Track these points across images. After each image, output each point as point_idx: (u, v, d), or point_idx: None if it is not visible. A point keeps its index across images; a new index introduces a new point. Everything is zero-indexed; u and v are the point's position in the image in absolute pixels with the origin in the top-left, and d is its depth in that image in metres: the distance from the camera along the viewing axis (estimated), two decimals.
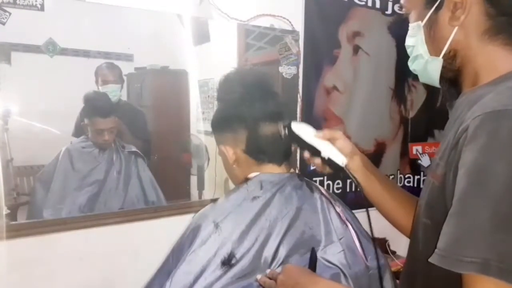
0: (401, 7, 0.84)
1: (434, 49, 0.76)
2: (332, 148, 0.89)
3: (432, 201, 0.72)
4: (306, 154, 0.91)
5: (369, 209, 0.89)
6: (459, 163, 0.61)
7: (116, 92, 1.53)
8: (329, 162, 0.88)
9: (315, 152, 0.89)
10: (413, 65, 0.82)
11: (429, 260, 0.60)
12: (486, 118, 0.58)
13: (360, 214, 1.05)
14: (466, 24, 0.70)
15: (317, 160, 0.89)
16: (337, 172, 0.89)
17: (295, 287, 0.77)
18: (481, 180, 0.57)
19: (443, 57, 0.74)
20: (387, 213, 0.95)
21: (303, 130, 0.90)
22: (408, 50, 0.82)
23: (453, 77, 0.77)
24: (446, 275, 0.59)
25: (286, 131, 0.91)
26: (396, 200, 0.94)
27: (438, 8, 0.72)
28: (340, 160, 0.87)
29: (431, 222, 0.71)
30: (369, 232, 0.87)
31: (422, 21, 0.75)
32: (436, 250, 0.60)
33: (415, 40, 0.78)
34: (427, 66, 0.78)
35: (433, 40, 0.75)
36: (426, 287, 0.74)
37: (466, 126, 0.61)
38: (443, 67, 0.76)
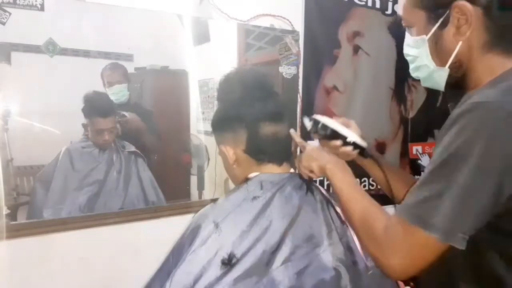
0: (401, 19, 0.90)
1: (440, 60, 0.83)
2: (352, 132, 0.96)
3: None
4: (338, 143, 0.95)
5: None
6: (437, 142, 0.73)
7: (123, 92, 1.53)
8: (354, 145, 0.96)
9: (341, 138, 0.95)
10: (416, 73, 0.89)
11: (396, 209, 0.77)
12: (465, 108, 0.69)
13: None
14: (469, 37, 0.78)
15: (349, 148, 0.96)
16: (361, 153, 0.97)
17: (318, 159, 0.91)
18: (448, 160, 0.69)
19: (448, 66, 0.82)
20: (392, 193, 1.02)
21: (328, 121, 0.97)
22: (409, 59, 0.89)
23: (457, 82, 0.84)
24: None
25: (312, 123, 0.96)
26: (400, 181, 1.04)
27: (443, 23, 0.79)
28: (363, 143, 0.97)
29: None
30: None
31: (426, 35, 0.82)
32: (403, 204, 0.74)
33: (419, 51, 0.85)
34: (433, 75, 0.86)
35: (438, 53, 0.82)
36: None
37: (454, 113, 0.71)
38: (449, 75, 0.83)
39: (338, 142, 0.95)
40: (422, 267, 0.72)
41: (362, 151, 0.97)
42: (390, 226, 0.75)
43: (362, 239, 0.83)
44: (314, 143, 0.99)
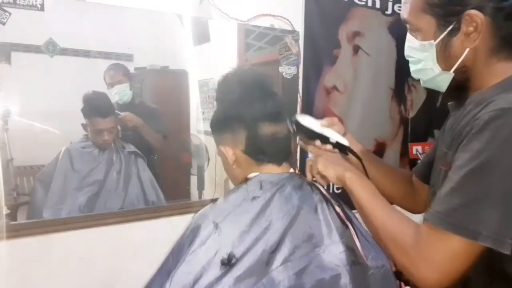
0: (404, 22, 0.90)
1: (445, 65, 0.85)
2: (335, 132, 1.00)
3: None
4: (318, 143, 1.00)
5: None
6: (463, 147, 0.74)
7: (125, 92, 1.53)
8: (337, 145, 1.00)
9: (324, 139, 0.99)
10: (418, 75, 0.90)
11: (424, 216, 0.75)
12: (494, 115, 0.70)
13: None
14: (477, 43, 0.80)
15: (328, 146, 1.00)
16: (343, 152, 1.01)
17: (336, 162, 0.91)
18: (482, 167, 0.69)
19: (453, 71, 0.84)
20: (376, 184, 1.02)
21: (309, 122, 1.00)
22: (411, 60, 0.90)
23: (459, 85, 0.86)
24: None
25: (294, 126, 0.97)
26: (381, 171, 1.11)
27: (452, 30, 0.81)
28: (345, 141, 1.00)
29: None
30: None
31: (435, 40, 0.83)
32: (433, 211, 0.74)
33: (425, 55, 0.86)
34: (437, 78, 0.87)
35: (445, 58, 0.84)
36: None
37: (476, 118, 0.73)
38: (452, 78, 0.86)
39: (318, 142, 0.99)
40: (456, 277, 0.71)
41: (344, 149, 1.00)
42: (421, 235, 0.74)
43: (388, 248, 0.82)
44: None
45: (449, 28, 0.81)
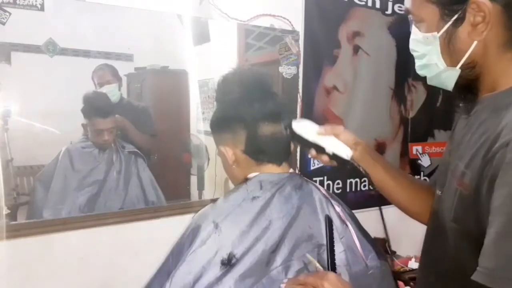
0: (407, 12, 0.83)
1: (451, 60, 0.77)
2: (336, 142, 0.91)
3: (461, 208, 0.74)
4: (313, 152, 0.92)
5: (373, 208, 0.91)
6: (499, 181, 0.63)
7: (114, 92, 1.53)
8: (334, 157, 0.90)
9: (320, 149, 0.91)
10: (423, 71, 0.83)
11: (473, 277, 0.62)
12: None
13: (360, 214, 1.05)
14: (486, 36, 0.71)
15: (324, 157, 0.91)
16: (343, 165, 0.91)
17: None
18: None
19: (460, 67, 0.76)
20: (391, 197, 0.99)
21: (305, 129, 0.92)
22: (416, 55, 0.83)
23: (469, 84, 0.78)
24: None
25: (288, 131, 0.92)
26: (399, 184, 0.99)
27: (457, 20, 0.73)
28: (345, 153, 0.90)
29: (460, 226, 0.75)
30: (383, 229, 0.88)
31: (438, 32, 0.75)
32: (481, 269, 0.62)
33: (429, 49, 0.78)
34: (442, 75, 0.79)
35: (450, 52, 0.76)
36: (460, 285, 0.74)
37: (506, 143, 0.63)
38: (460, 76, 0.77)
39: (314, 152, 0.92)
40: None
41: (344, 163, 0.91)
42: None
43: None
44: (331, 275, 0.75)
45: (454, 18, 0.72)
